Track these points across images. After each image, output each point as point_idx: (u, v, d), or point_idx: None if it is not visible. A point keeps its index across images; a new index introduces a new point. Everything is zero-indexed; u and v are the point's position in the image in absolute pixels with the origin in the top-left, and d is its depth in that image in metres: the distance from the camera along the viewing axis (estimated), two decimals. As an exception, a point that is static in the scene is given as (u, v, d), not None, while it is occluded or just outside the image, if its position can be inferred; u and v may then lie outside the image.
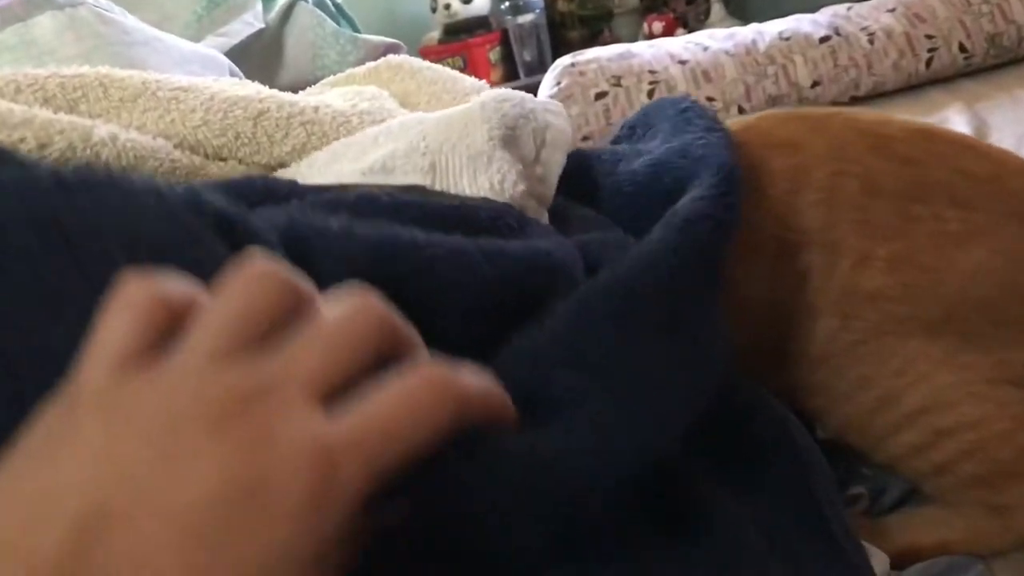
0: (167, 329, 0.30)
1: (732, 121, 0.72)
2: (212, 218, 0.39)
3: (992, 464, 0.57)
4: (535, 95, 1.70)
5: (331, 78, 0.92)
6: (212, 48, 1.20)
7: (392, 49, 1.29)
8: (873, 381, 0.59)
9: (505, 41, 2.44)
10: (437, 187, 0.58)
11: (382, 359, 0.31)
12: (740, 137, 0.66)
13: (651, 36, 2.40)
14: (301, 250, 0.41)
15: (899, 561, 0.59)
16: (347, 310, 0.31)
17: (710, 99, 1.61)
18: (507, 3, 2.38)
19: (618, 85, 1.63)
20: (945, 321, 0.58)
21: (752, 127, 0.68)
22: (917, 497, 0.65)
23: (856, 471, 0.68)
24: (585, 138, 1.59)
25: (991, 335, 0.59)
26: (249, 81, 0.76)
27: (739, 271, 0.62)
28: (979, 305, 0.59)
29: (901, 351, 0.58)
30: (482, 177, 0.57)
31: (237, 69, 1.19)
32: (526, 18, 2.34)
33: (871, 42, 1.62)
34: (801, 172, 0.62)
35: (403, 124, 0.66)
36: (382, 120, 0.73)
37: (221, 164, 0.67)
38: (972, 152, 0.64)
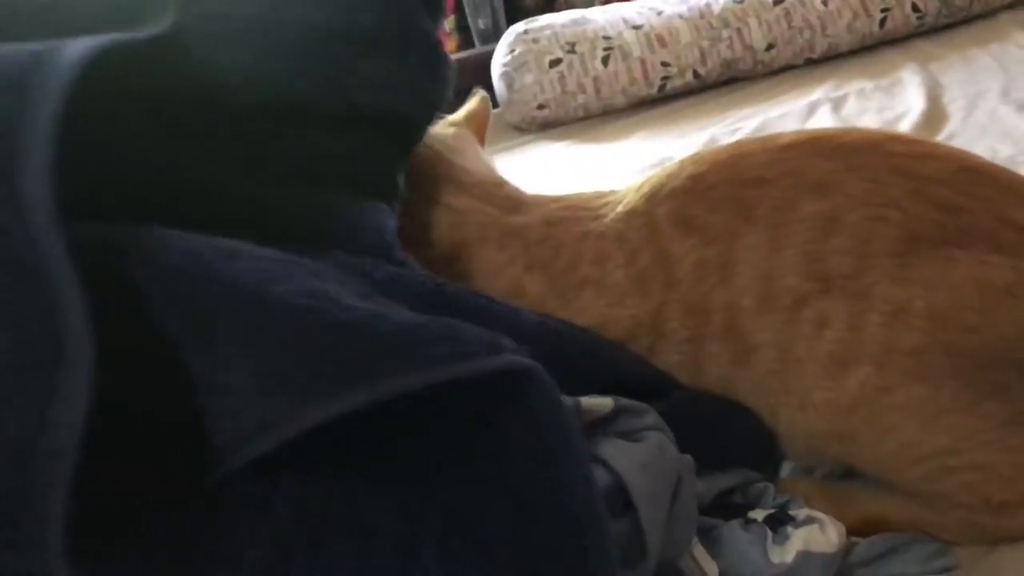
0: None
1: (756, 143, 0.66)
2: None
3: (985, 499, 0.58)
4: (489, 65, 1.66)
5: None
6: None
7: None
8: (900, 430, 0.58)
9: (459, 9, 2.39)
10: None
11: None
12: (766, 173, 0.62)
13: (606, 1, 2.37)
14: None
15: (862, 530, 0.59)
16: None
17: (665, 64, 1.60)
18: (460, -29, 2.33)
19: (572, 52, 1.61)
20: (979, 372, 0.57)
21: (780, 163, 0.63)
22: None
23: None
24: (541, 106, 1.57)
25: (1019, 386, 0.57)
26: None
27: (748, 322, 0.61)
28: (1018, 362, 0.57)
29: (931, 403, 0.57)
30: None
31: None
32: (480, -14, 2.30)
33: (825, 3, 1.61)
34: (832, 219, 0.59)
35: None
36: None
37: None
38: (1016, 198, 0.60)
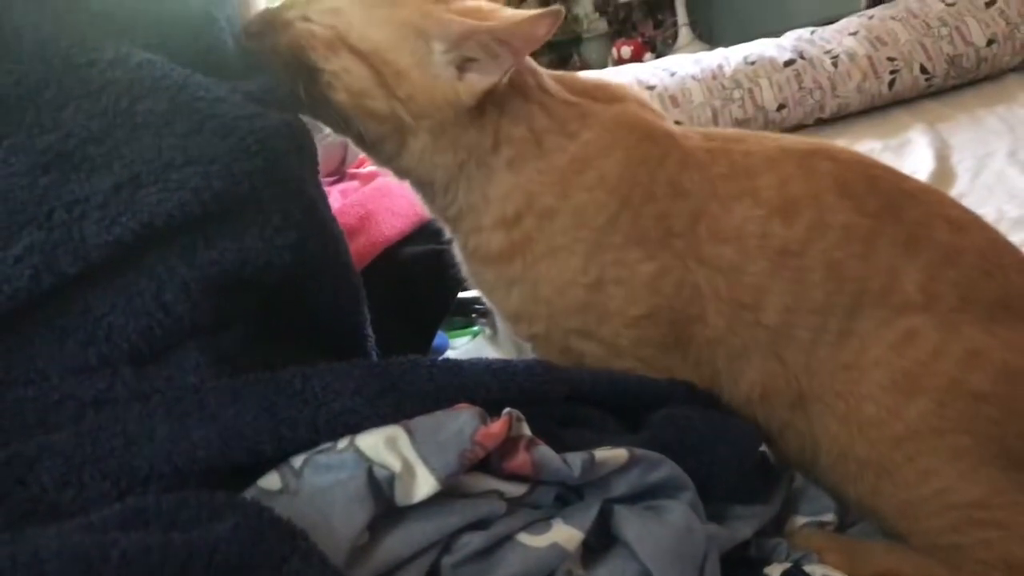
0: None
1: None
2: None
3: (1004, 558, 0.59)
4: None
5: None
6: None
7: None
8: (939, 475, 0.59)
9: (476, 67, 2.45)
10: None
11: None
12: (920, 194, 0.67)
13: (620, 61, 2.43)
14: None
15: None
16: None
17: (678, 123, 1.63)
18: (477, 29, 2.39)
19: (587, 110, 1.64)
20: (1019, 442, 0.59)
21: (932, 192, 0.69)
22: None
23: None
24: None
25: None
26: None
27: (866, 306, 0.63)
28: None
29: (974, 455, 0.59)
30: None
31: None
32: (496, 44, 2.36)
33: (835, 65, 1.65)
34: (956, 253, 0.64)
35: None
36: None
37: None
38: None
